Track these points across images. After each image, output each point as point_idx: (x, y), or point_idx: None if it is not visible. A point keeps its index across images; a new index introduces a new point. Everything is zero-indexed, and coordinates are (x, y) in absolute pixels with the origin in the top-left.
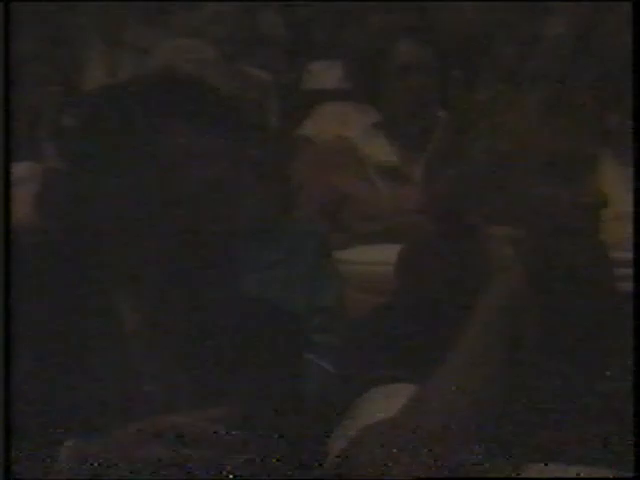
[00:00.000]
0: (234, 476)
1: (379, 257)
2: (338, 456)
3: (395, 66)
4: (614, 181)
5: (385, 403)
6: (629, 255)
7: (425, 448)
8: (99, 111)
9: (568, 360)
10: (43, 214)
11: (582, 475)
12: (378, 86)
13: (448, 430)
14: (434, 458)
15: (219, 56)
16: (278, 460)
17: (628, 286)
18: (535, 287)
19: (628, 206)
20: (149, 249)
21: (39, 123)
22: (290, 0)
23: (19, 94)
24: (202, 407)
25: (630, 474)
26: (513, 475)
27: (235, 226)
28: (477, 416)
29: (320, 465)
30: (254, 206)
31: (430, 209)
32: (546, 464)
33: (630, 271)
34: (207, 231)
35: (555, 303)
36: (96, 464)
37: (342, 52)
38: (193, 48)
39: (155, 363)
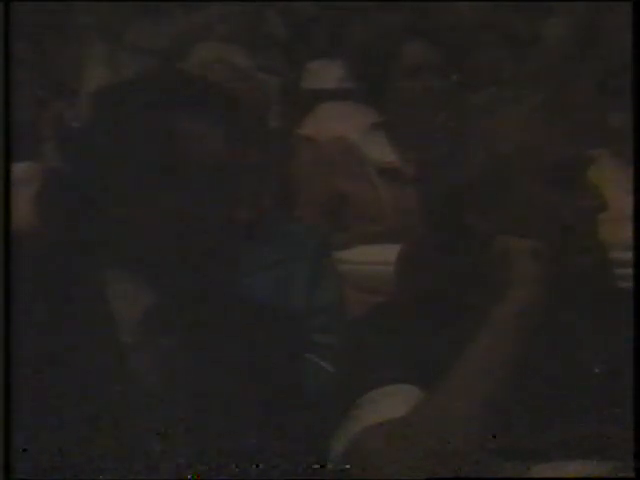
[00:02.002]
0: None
1: (379, 257)
2: (340, 456)
3: (398, 66)
4: (614, 182)
5: (386, 403)
6: (629, 255)
7: (434, 449)
8: (102, 110)
9: (572, 359)
10: (43, 214)
11: (584, 471)
12: (380, 86)
13: (458, 431)
14: (441, 459)
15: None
16: (279, 460)
17: (628, 286)
18: (549, 295)
19: (628, 207)
20: (148, 249)
21: (40, 123)
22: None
23: (19, 94)
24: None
25: (630, 474)
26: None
27: (235, 224)
28: (487, 418)
29: (322, 465)
30: (254, 206)
31: (427, 211)
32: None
33: (630, 271)
34: (207, 231)
35: (562, 306)
36: None
37: (343, 52)
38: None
39: (153, 363)
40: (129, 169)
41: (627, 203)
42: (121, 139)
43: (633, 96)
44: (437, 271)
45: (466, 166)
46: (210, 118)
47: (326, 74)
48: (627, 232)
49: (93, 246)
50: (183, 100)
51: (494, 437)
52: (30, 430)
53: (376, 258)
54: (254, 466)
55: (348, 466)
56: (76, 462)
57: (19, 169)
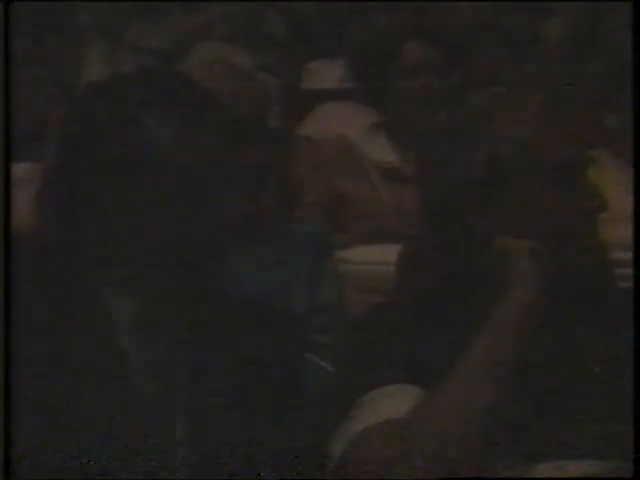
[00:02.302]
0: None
1: (379, 257)
2: (340, 456)
3: (398, 66)
4: (614, 182)
5: (386, 403)
6: (629, 255)
7: (434, 449)
8: (87, 108)
9: (571, 359)
10: (43, 214)
11: (584, 471)
12: (380, 86)
13: (458, 432)
14: (441, 459)
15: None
16: (279, 460)
17: (628, 286)
18: (549, 295)
19: (628, 207)
20: (148, 250)
21: (40, 123)
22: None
23: (19, 94)
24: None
25: (630, 474)
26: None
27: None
28: (488, 418)
29: (322, 465)
30: (254, 206)
31: (427, 211)
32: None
33: (630, 271)
34: (206, 231)
35: (562, 306)
36: None
37: (343, 52)
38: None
39: (152, 363)
40: (128, 169)
41: (627, 203)
42: (120, 139)
43: (633, 96)
44: (437, 271)
45: (466, 166)
46: (207, 119)
47: (326, 74)
48: (627, 232)
49: (93, 246)
50: (181, 100)
51: (494, 437)
52: (30, 430)
53: (376, 258)
54: (254, 466)
55: (348, 466)
56: (76, 462)
57: (19, 169)
